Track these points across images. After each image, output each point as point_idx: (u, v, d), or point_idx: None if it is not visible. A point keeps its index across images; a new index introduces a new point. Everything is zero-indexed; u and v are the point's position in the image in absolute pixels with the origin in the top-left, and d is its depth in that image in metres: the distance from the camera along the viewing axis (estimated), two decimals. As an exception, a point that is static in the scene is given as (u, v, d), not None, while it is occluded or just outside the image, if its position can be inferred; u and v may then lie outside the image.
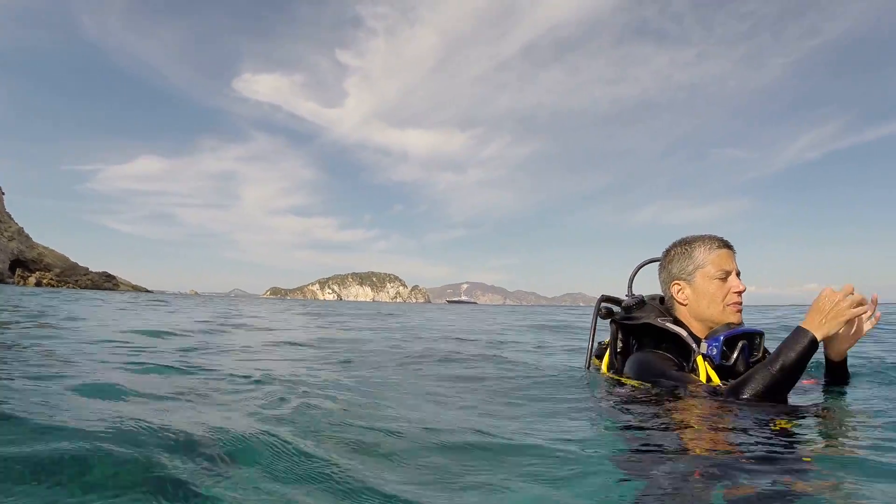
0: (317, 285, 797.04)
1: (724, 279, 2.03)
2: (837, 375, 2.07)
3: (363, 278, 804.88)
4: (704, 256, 2.07)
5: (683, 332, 2.03)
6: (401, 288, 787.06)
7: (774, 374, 1.67)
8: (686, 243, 2.14)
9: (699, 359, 1.95)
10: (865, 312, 1.76)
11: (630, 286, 2.39)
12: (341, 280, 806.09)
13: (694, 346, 1.99)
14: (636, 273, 2.42)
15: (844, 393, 2.08)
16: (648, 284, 2.37)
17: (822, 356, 2.05)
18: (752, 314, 10.75)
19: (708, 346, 1.96)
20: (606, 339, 2.42)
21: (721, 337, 1.95)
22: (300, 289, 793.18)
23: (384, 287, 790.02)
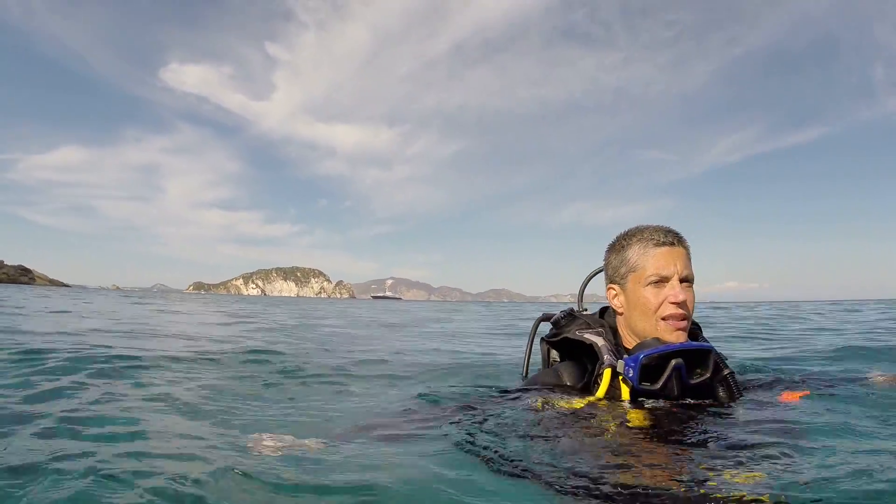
0: (241, 280, 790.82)
1: (660, 286, 1.63)
2: None
3: (287, 273, 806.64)
4: (638, 256, 1.66)
5: (599, 342, 1.69)
6: (325, 283, 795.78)
7: None
8: (624, 237, 1.74)
9: (606, 372, 1.63)
10: None
11: (580, 298, 2.06)
12: (265, 275, 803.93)
13: (605, 356, 1.65)
14: (588, 282, 2.05)
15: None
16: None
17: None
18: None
19: (625, 366, 1.60)
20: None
21: (640, 356, 1.57)
22: (224, 284, 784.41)
23: (308, 282, 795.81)
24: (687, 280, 1.65)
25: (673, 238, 1.67)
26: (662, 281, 1.63)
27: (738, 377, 1.82)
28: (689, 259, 1.69)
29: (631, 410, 1.59)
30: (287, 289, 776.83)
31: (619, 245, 1.75)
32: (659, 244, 1.65)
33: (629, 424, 1.51)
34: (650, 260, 1.65)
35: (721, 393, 1.70)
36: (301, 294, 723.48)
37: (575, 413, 1.57)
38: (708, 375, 1.63)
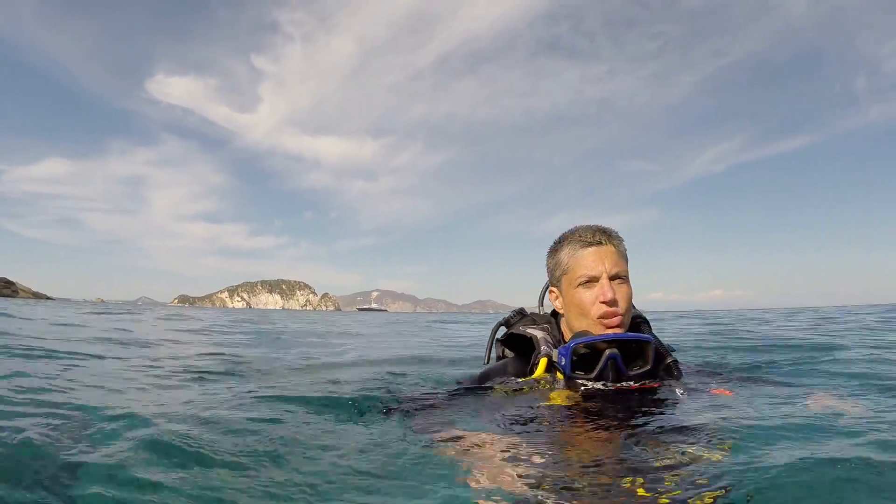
0: (226, 293, 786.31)
1: (591, 285, 1.66)
2: None
3: (273, 286, 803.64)
4: (569, 258, 1.71)
5: (539, 334, 1.75)
6: (311, 296, 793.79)
7: None
8: (557, 240, 1.78)
9: (542, 361, 1.68)
10: None
11: (540, 303, 2.04)
12: (251, 288, 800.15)
13: (543, 347, 1.71)
14: (547, 287, 2.00)
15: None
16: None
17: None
18: (658, 323, 8.32)
19: (559, 355, 1.65)
20: None
21: (571, 343, 1.61)
22: (209, 297, 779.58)
23: (294, 295, 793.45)
24: (618, 277, 1.66)
25: (601, 237, 1.68)
26: (592, 281, 1.65)
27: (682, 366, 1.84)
28: (621, 255, 1.70)
29: (555, 392, 1.61)
30: (272, 301, 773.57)
31: (553, 248, 1.78)
32: (586, 244, 1.68)
33: (551, 405, 1.54)
34: (579, 261, 1.68)
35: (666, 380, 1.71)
36: (286, 306, 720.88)
37: (503, 399, 1.64)
38: (648, 367, 1.63)
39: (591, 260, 1.66)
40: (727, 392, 1.69)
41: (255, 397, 2.08)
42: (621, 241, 1.73)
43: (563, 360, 1.62)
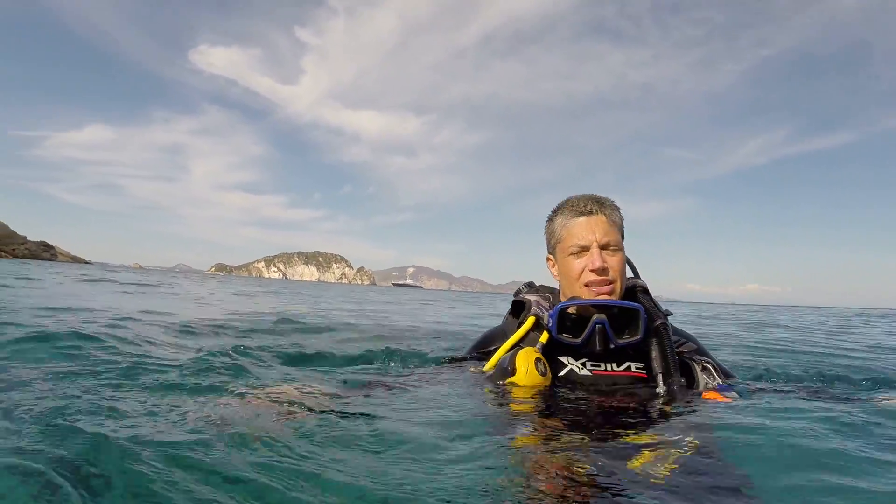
0: (262, 263, 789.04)
1: (581, 255, 1.68)
2: None
3: (309, 258, 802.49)
4: (561, 228, 1.74)
5: (533, 298, 1.79)
6: (346, 269, 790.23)
7: None
8: (554, 209, 1.81)
9: (530, 319, 1.72)
10: None
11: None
12: (287, 259, 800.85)
13: (533, 308, 1.75)
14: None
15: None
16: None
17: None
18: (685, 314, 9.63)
19: (548, 317, 1.67)
20: None
21: (559, 307, 1.65)
22: (246, 266, 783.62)
23: (330, 267, 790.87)
24: (609, 246, 1.67)
25: (592, 206, 1.70)
26: (583, 250, 1.68)
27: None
28: (613, 225, 1.70)
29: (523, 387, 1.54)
30: (308, 273, 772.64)
31: (549, 217, 1.82)
32: (578, 214, 1.70)
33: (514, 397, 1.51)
34: (571, 230, 1.70)
35: (654, 352, 1.65)
36: (322, 279, 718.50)
37: (475, 379, 1.69)
38: (639, 337, 1.62)
39: (581, 229, 1.69)
40: (721, 398, 1.56)
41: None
42: (615, 209, 1.74)
43: (551, 321, 1.65)
